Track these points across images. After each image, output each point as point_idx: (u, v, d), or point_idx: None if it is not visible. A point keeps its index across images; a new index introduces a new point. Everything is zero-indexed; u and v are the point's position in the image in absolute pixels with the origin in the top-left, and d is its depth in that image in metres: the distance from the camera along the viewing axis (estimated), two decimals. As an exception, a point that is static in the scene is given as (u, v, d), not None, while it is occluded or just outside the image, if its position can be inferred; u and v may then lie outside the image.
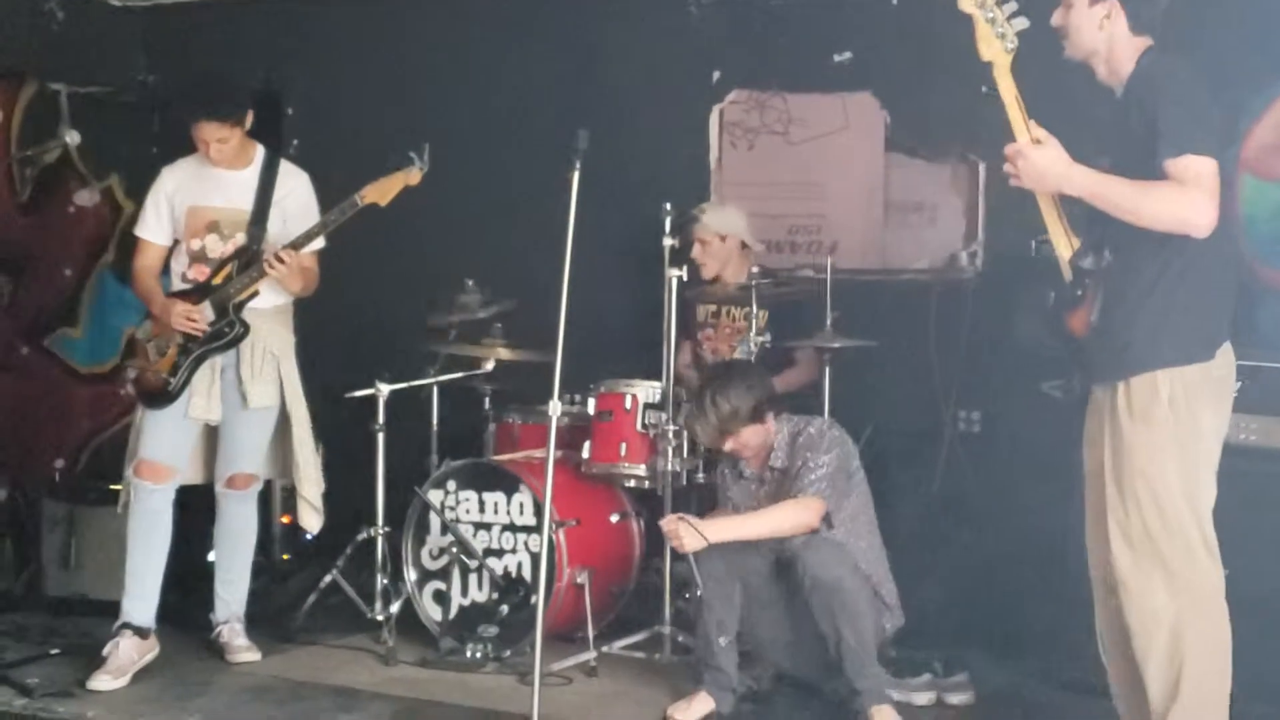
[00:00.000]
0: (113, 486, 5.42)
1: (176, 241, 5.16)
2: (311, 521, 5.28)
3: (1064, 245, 3.77)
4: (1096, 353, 3.75)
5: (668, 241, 5.15)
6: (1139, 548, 3.65)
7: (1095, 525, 3.82)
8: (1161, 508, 3.63)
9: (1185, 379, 3.63)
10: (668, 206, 5.15)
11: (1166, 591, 3.63)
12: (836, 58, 6.10)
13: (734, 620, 4.63)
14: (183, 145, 5.11)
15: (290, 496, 5.48)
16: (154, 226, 5.17)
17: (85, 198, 7.21)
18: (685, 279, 5.17)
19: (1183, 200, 3.51)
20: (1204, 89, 3.64)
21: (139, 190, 5.36)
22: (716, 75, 6.34)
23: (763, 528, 4.58)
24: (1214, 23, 5.18)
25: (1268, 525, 4.35)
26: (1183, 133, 3.53)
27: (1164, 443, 3.63)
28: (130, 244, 5.28)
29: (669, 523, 4.57)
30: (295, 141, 6.99)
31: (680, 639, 5.07)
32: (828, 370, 5.35)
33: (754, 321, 5.41)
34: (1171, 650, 3.63)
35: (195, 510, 5.24)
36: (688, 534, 4.49)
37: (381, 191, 4.94)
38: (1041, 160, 3.65)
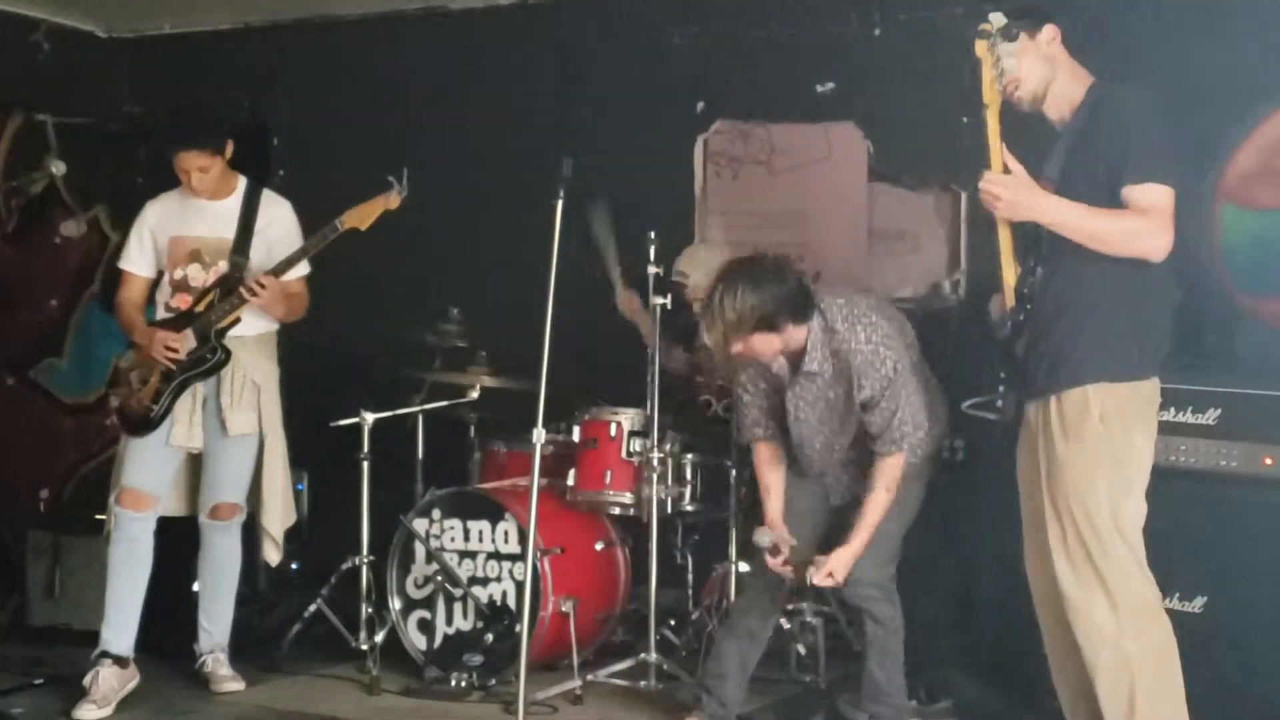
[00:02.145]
0: (98, 516, 5.42)
1: (161, 273, 5.18)
2: (271, 554, 5.28)
3: (1010, 272, 3.83)
4: (1031, 369, 3.82)
5: (652, 270, 5.17)
6: (1078, 564, 3.72)
7: (1031, 544, 3.89)
8: (1094, 524, 3.70)
9: (1117, 395, 3.70)
10: (652, 235, 5.18)
11: (1107, 606, 3.69)
12: (819, 88, 6.13)
13: (755, 659, 4.65)
14: (169, 176, 5.14)
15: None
16: (137, 259, 5.20)
17: (71, 228, 7.22)
18: (670, 307, 5.17)
19: (1144, 228, 3.61)
20: (1160, 118, 3.72)
21: (125, 221, 5.38)
22: (700, 105, 6.36)
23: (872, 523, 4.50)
24: (1194, 53, 5.23)
25: (1249, 552, 4.37)
26: (1144, 161, 3.62)
27: (1096, 460, 3.70)
28: (116, 275, 5.30)
29: (821, 574, 4.46)
30: (281, 171, 7.01)
31: (665, 667, 5.07)
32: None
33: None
34: (1118, 664, 3.69)
35: (179, 540, 5.23)
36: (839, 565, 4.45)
37: (361, 216, 4.97)
38: (1015, 189, 3.71)
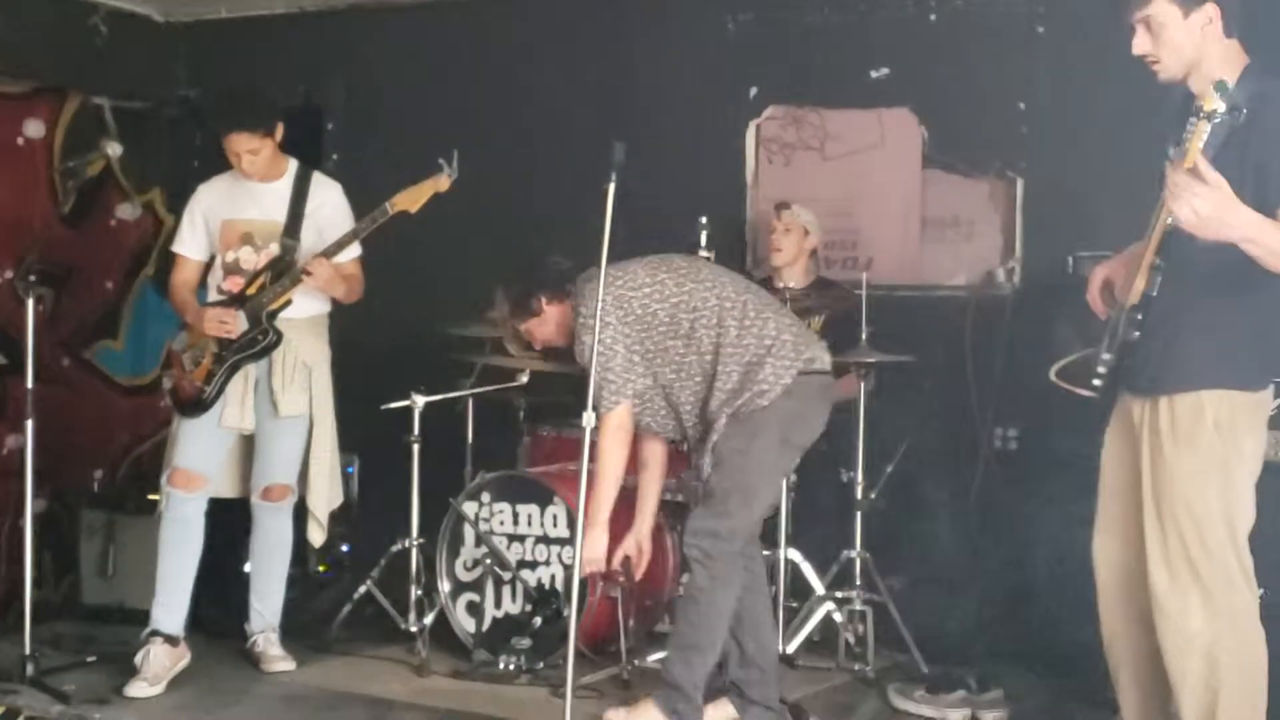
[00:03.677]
0: (151, 496, 5.48)
1: (213, 256, 5.21)
2: (315, 535, 5.30)
3: (1143, 277, 3.62)
4: (1141, 364, 3.66)
5: (704, 254, 5.15)
6: (1177, 570, 3.61)
7: (1108, 531, 3.80)
8: (1202, 532, 3.59)
9: (1232, 403, 3.59)
10: (704, 220, 5.16)
11: (1203, 615, 3.59)
12: (873, 74, 6.09)
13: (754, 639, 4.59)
14: (224, 160, 5.16)
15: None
16: (190, 242, 5.23)
17: (127, 211, 7.28)
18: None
19: None
20: None
21: (180, 204, 5.41)
22: (753, 91, 6.34)
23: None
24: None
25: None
26: None
27: (1208, 467, 3.59)
28: (171, 258, 5.34)
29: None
30: (335, 155, 7.04)
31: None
32: (863, 386, 5.34)
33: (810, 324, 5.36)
34: (1207, 675, 3.59)
35: (231, 520, 5.27)
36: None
37: (412, 199, 4.98)
38: (1217, 205, 3.31)
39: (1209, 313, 3.59)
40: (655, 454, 4.63)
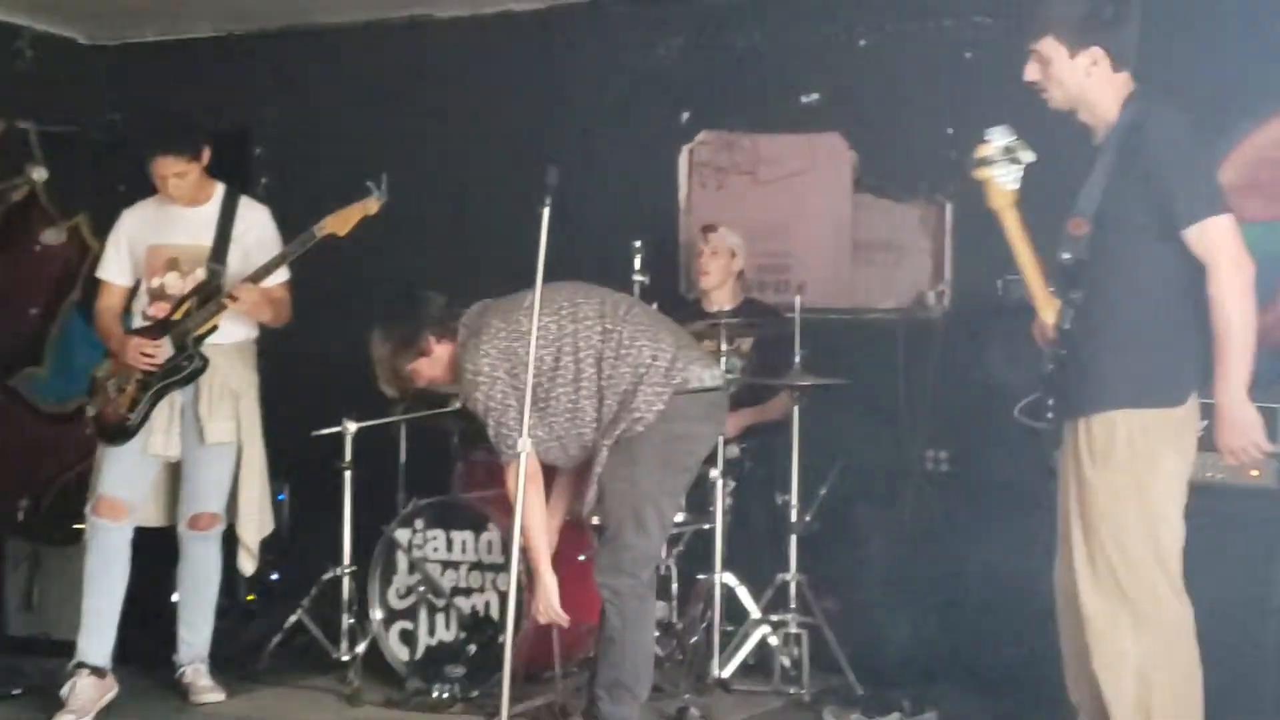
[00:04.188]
0: (77, 526, 5.38)
1: (139, 281, 5.15)
2: (245, 564, 5.25)
3: (1050, 311, 3.75)
4: (1069, 389, 3.74)
5: (638, 278, 5.14)
6: (1104, 588, 3.65)
7: (1061, 559, 3.83)
8: (1124, 549, 3.63)
9: (1144, 421, 3.64)
10: (638, 244, 5.16)
11: (1133, 633, 3.63)
12: (804, 99, 6.14)
13: None
14: (150, 184, 5.11)
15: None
16: (115, 267, 5.18)
17: (52, 236, 7.18)
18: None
19: (1240, 279, 3.52)
20: (1199, 138, 3.66)
21: (106, 229, 5.35)
22: (686, 115, 6.36)
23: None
24: (1181, 68, 5.22)
25: (1236, 562, 4.36)
26: (1195, 198, 3.55)
27: (1123, 485, 3.65)
28: (97, 283, 5.27)
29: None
30: (263, 179, 6.99)
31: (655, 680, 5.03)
32: (796, 409, 5.35)
33: (722, 344, 5.36)
34: (1140, 693, 3.62)
35: (159, 550, 5.19)
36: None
37: (341, 222, 4.96)
38: (1250, 436, 3.60)
39: (1122, 333, 3.66)
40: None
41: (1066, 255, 3.70)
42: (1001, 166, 3.74)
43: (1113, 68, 3.71)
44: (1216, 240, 3.53)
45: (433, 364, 4.52)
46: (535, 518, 4.35)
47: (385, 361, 4.51)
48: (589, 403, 4.36)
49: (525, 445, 4.11)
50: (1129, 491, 3.64)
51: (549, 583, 4.44)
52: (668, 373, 4.34)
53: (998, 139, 3.75)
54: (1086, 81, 3.72)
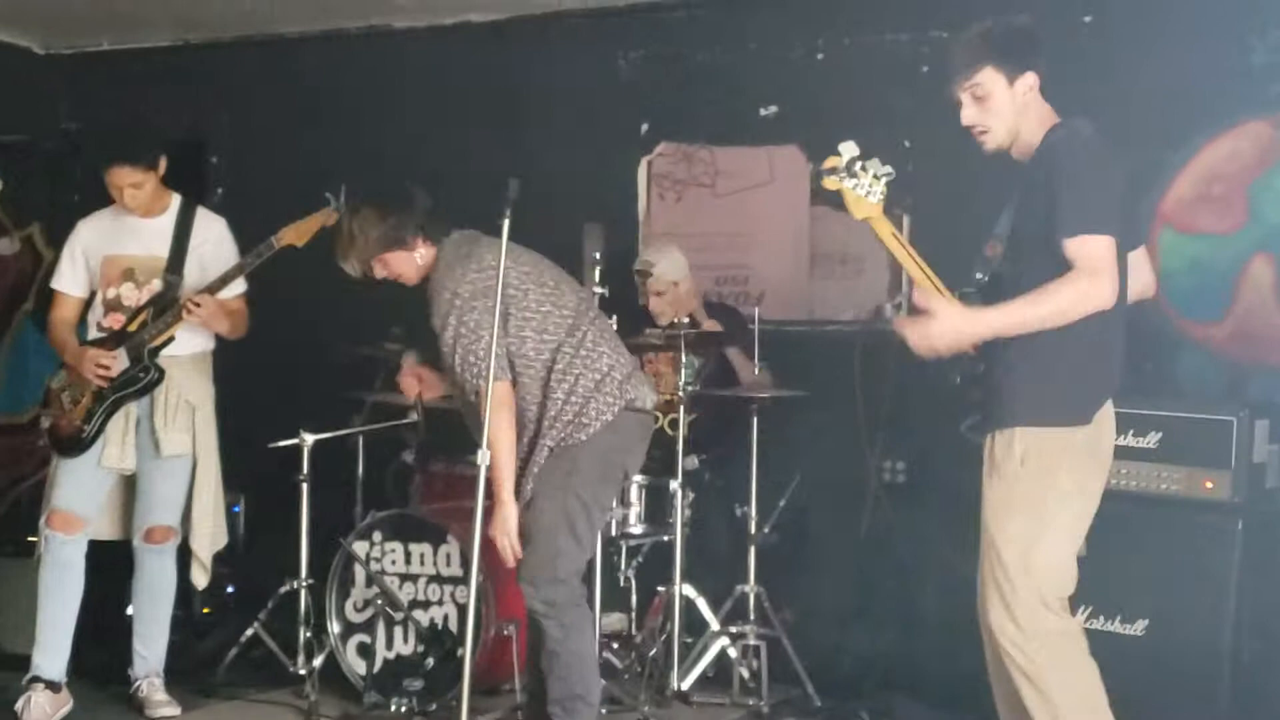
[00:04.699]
0: (30, 539, 5.33)
1: (94, 292, 5.11)
2: (198, 578, 5.21)
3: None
4: (983, 404, 3.84)
5: (597, 290, 5.14)
6: (992, 596, 3.75)
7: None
8: (1004, 561, 3.72)
9: (1041, 440, 3.71)
10: (597, 255, 5.16)
11: (1016, 638, 3.71)
12: (763, 111, 6.16)
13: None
14: (106, 194, 5.07)
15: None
16: (70, 279, 5.13)
17: (5, 246, 7.13)
18: (615, 327, 5.12)
19: (1080, 289, 3.58)
20: (1106, 162, 3.70)
21: (60, 239, 5.32)
22: (645, 127, 6.38)
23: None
24: (1135, 82, 5.29)
25: (1190, 575, 4.40)
26: (1079, 213, 3.60)
27: (1010, 499, 3.73)
28: (50, 293, 5.22)
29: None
30: (220, 189, 6.96)
31: (613, 693, 5.03)
32: (755, 420, 5.37)
33: (682, 364, 5.37)
34: (1038, 696, 3.70)
35: (113, 563, 5.15)
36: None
37: (299, 233, 4.95)
38: (949, 327, 3.68)
39: (1027, 352, 3.71)
40: None
41: (980, 275, 3.83)
42: (853, 179, 3.88)
43: (1041, 93, 3.80)
44: (1090, 255, 3.57)
45: (406, 261, 4.45)
46: (504, 442, 4.25)
47: (362, 240, 4.42)
48: (535, 383, 4.34)
49: (492, 375, 4.12)
50: (1015, 506, 3.72)
51: (511, 509, 4.30)
52: (621, 386, 4.36)
53: (846, 152, 3.88)
54: (1023, 108, 3.78)
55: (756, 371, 5.55)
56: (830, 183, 3.93)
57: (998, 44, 3.77)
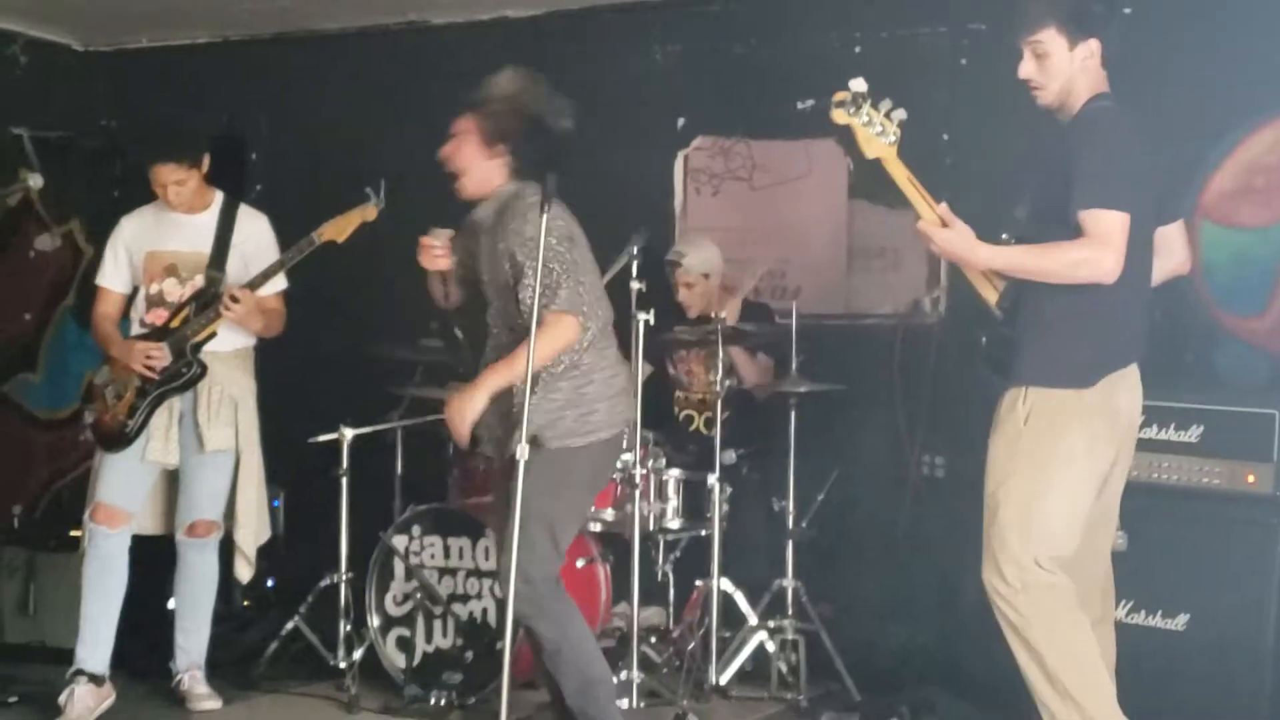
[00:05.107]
0: (72, 533, 5.37)
1: (136, 288, 5.14)
2: (242, 571, 5.23)
3: (989, 291, 3.95)
4: (1001, 363, 3.92)
5: (635, 285, 5.14)
6: (985, 551, 3.83)
7: None
8: (998, 518, 3.79)
9: (1046, 399, 3.77)
10: (635, 250, 5.15)
11: (1006, 593, 3.78)
12: (800, 105, 6.13)
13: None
14: (145, 190, 5.10)
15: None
16: (113, 274, 5.16)
17: (46, 242, 7.18)
18: (653, 322, 5.13)
19: (1087, 256, 3.68)
20: (1134, 138, 3.76)
21: (100, 235, 5.35)
22: (681, 121, 6.37)
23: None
24: (1175, 75, 5.25)
25: (1232, 569, 4.37)
26: (1096, 185, 3.67)
27: (1013, 456, 3.80)
28: (91, 289, 5.26)
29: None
30: (259, 186, 6.98)
31: (651, 687, 5.03)
32: (793, 415, 5.36)
33: (719, 362, 5.38)
34: (1027, 652, 3.78)
35: (155, 556, 5.19)
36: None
37: (339, 229, 4.96)
38: (947, 243, 3.86)
39: (1042, 312, 3.81)
40: None
41: (1005, 236, 3.91)
42: (864, 115, 3.94)
43: (1101, 62, 3.83)
44: (1102, 228, 3.65)
45: (489, 155, 4.35)
46: (523, 368, 4.01)
47: (505, 100, 4.36)
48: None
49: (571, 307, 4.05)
50: (1017, 462, 3.78)
51: (481, 400, 4.14)
52: (628, 407, 4.41)
53: (855, 87, 3.94)
54: (1078, 74, 3.82)
55: (758, 367, 5.58)
56: (839, 115, 3.99)
57: (1068, 8, 3.80)
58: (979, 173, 5.73)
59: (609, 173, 6.25)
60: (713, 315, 5.60)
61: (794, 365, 5.34)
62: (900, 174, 3.97)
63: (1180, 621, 4.43)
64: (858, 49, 6.03)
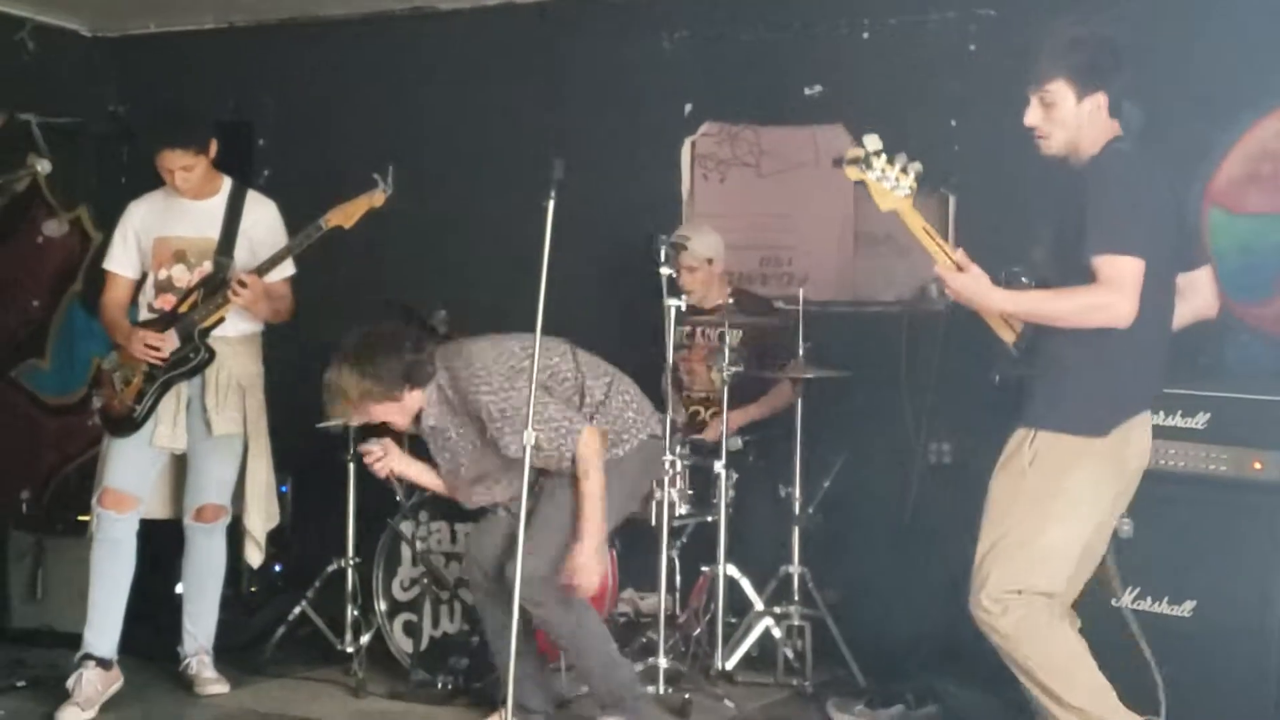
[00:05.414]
0: (80, 517, 5.40)
1: (145, 274, 5.15)
2: (253, 556, 5.26)
3: (1006, 332, 3.94)
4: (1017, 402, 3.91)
5: (664, 271, 5.09)
6: (974, 577, 3.84)
7: None
8: (988, 553, 3.79)
9: (1055, 445, 3.76)
10: (662, 237, 5.12)
11: (988, 620, 3.80)
12: (807, 91, 6.13)
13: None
14: (153, 176, 5.11)
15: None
16: (121, 259, 5.17)
17: (53, 228, 7.19)
18: (685, 308, 5.14)
19: (1102, 301, 3.67)
20: (1147, 186, 3.76)
21: (108, 221, 5.36)
22: (688, 108, 6.36)
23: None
24: (1183, 62, 5.24)
25: (1238, 556, 4.37)
26: (1110, 231, 3.66)
27: (1015, 496, 3.79)
28: (99, 275, 5.27)
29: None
30: (266, 172, 6.99)
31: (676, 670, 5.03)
32: (800, 401, 5.36)
33: (727, 338, 5.37)
34: (1020, 670, 3.81)
35: (163, 541, 5.20)
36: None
37: (346, 215, 4.96)
38: (963, 288, 3.86)
39: (1058, 356, 3.79)
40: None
41: (1025, 279, 3.90)
42: (873, 170, 3.93)
43: (1109, 112, 3.83)
44: (1115, 274, 3.65)
45: (401, 410, 4.55)
46: (601, 487, 4.42)
47: (351, 397, 4.48)
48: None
49: (529, 439, 4.12)
50: (1019, 501, 3.77)
51: (596, 560, 4.40)
52: (648, 421, 4.70)
53: (869, 144, 3.94)
54: (1086, 125, 3.82)
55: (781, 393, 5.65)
56: (851, 172, 3.99)
57: (1077, 62, 3.80)
58: (986, 160, 5.72)
59: (616, 159, 6.27)
60: (708, 306, 5.63)
61: (800, 351, 5.33)
62: (915, 224, 3.95)
63: (1187, 608, 4.42)
64: (866, 35, 6.03)
